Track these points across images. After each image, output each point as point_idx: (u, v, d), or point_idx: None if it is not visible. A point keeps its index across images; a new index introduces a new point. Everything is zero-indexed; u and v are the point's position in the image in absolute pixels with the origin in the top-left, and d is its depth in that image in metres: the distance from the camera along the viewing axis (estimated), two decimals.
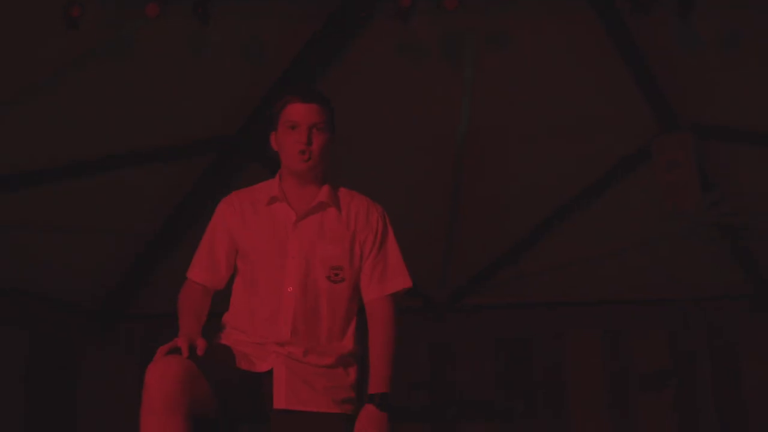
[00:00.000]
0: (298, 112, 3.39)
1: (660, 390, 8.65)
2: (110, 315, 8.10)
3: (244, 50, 5.90)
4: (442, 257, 8.00)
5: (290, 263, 3.38)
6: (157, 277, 7.79)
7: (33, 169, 6.45)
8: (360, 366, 3.53)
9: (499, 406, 8.81)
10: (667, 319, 8.57)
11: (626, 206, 7.42)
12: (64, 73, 5.88)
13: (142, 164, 6.78)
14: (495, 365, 8.76)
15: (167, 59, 6.02)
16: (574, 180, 7.36)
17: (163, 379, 3.09)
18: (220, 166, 6.98)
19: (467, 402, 8.77)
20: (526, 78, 6.55)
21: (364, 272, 3.47)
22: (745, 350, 8.56)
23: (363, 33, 6.29)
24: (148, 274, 7.81)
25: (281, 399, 3.31)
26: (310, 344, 3.38)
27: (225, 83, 6.37)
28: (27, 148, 6.26)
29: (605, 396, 8.71)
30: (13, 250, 6.85)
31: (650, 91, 6.59)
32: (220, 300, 3.60)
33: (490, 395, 8.78)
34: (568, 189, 7.44)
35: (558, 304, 8.59)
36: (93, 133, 6.37)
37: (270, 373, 3.35)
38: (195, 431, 3.13)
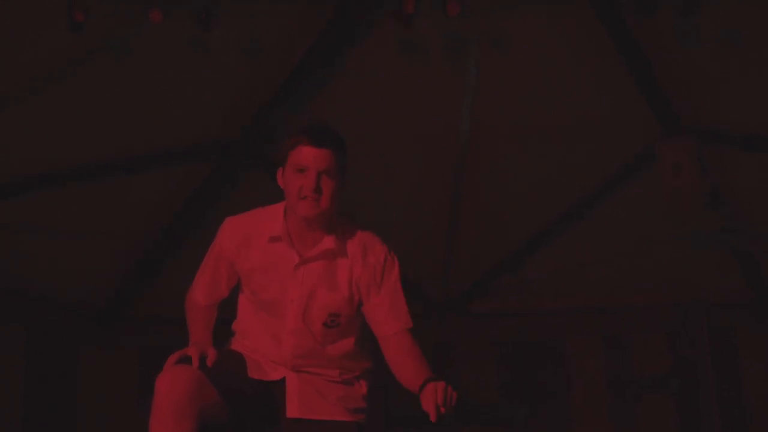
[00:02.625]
0: (308, 157, 3.20)
1: (661, 394, 8.63)
2: (111, 318, 8.09)
3: (247, 55, 5.87)
4: (443, 261, 7.98)
5: (289, 306, 3.32)
6: (158, 280, 7.78)
7: (36, 172, 6.45)
8: (371, 379, 3.52)
9: (501, 410, 8.79)
10: (667, 323, 8.56)
11: (629, 210, 7.41)
12: (66, 77, 5.86)
13: (145, 168, 6.79)
14: (497, 369, 8.75)
15: (169, 64, 6.00)
16: (576, 184, 7.36)
17: (172, 388, 3.09)
18: (222, 170, 6.98)
19: (469, 406, 8.75)
20: (529, 81, 6.53)
21: (372, 314, 3.35)
22: (745, 354, 8.56)
23: (365, 37, 6.27)
24: (149, 278, 7.80)
25: (294, 408, 3.32)
26: (316, 369, 3.38)
27: (227, 88, 6.37)
28: (30, 152, 6.26)
29: (607, 400, 8.70)
30: (16, 252, 6.85)
31: (653, 93, 6.58)
32: (227, 306, 3.60)
33: (492, 399, 8.76)
34: (570, 193, 7.44)
35: (559, 309, 8.58)
36: (95, 137, 6.38)
37: (282, 381, 3.35)
38: None
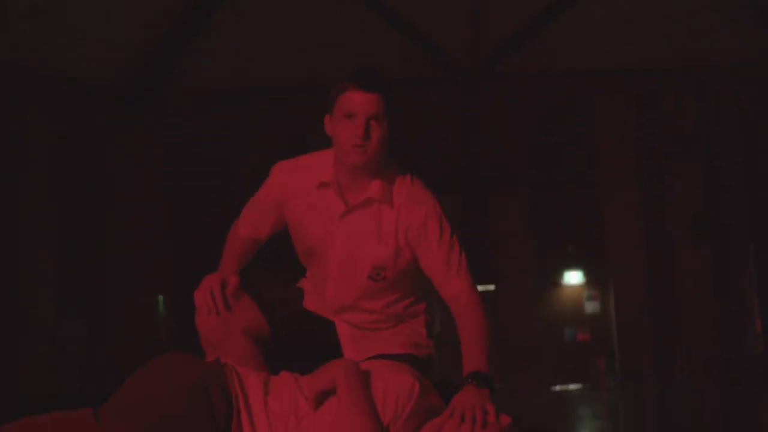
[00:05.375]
0: (356, 103, 3.11)
1: (688, 156, 8.67)
2: (139, 95, 8.07)
3: None
4: (470, 25, 7.90)
5: (332, 257, 3.27)
6: (185, 54, 7.70)
7: None
8: (426, 318, 3.43)
9: (528, 174, 8.85)
10: (695, 86, 8.52)
11: None
12: None
13: None
14: (523, 132, 8.78)
15: None
16: None
17: (205, 333, 3.23)
18: None
19: (496, 171, 8.81)
20: None
21: (431, 270, 3.23)
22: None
23: None
24: (176, 52, 7.72)
25: (350, 352, 3.32)
26: (362, 320, 3.35)
27: None
28: None
29: (634, 161, 8.75)
30: (39, 31, 6.75)
31: None
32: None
33: (518, 163, 8.83)
34: None
35: (587, 72, 8.53)
36: None
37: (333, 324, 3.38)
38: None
